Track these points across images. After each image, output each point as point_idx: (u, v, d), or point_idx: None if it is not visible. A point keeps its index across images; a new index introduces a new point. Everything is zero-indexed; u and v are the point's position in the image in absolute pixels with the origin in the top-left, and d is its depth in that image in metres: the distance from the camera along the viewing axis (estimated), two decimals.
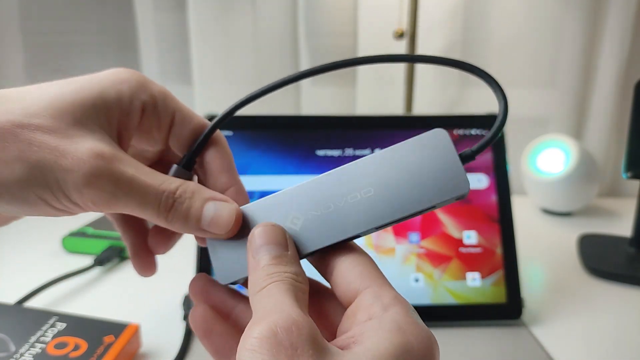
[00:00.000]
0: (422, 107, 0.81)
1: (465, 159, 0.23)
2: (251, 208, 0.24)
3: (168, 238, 0.28)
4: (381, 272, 0.22)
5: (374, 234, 0.44)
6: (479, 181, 0.48)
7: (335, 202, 0.23)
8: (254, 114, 0.48)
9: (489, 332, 0.43)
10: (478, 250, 0.46)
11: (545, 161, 0.72)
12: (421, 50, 0.76)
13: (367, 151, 0.49)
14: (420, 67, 0.77)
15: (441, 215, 0.47)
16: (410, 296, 0.44)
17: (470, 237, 0.47)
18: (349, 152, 0.48)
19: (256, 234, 0.23)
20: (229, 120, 0.27)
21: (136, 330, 0.39)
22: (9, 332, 0.37)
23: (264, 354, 0.17)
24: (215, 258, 0.25)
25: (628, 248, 0.58)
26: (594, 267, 0.55)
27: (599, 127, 0.80)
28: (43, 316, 0.40)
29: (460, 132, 0.49)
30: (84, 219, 0.66)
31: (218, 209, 0.24)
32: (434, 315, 0.44)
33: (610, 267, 0.55)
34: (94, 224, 0.63)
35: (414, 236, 0.46)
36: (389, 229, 0.45)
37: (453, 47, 0.78)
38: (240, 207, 0.24)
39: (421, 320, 0.20)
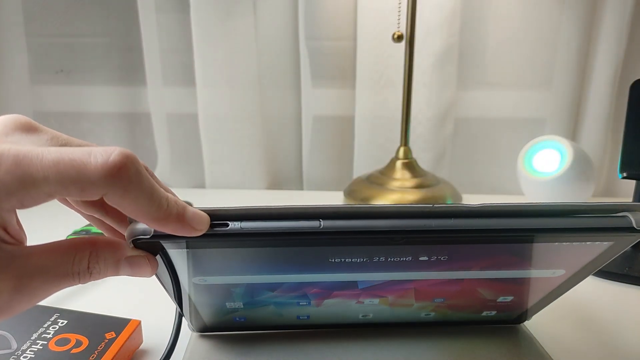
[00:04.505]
0: (421, 108, 0.81)
1: None
2: None
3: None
4: None
5: (392, 295, 0.37)
6: (553, 273, 0.35)
7: None
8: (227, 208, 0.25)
9: (487, 331, 0.43)
10: (507, 303, 0.39)
11: (541, 161, 0.72)
12: (419, 52, 0.77)
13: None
14: (417, 69, 0.78)
15: (481, 288, 0.36)
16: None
17: (506, 299, 0.38)
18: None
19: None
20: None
21: (137, 327, 0.39)
22: (10, 330, 0.37)
23: None
24: None
25: None
26: None
27: (595, 128, 0.81)
28: (44, 313, 0.40)
29: (587, 243, 0.30)
30: None
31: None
32: (435, 324, 0.42)
33: (606, 265, 0.54)
34: None
35: (439, 300, 0.37)
36: (412, 292, 0.36)
37: (450, 49, 0.79)
38: None
39: None
